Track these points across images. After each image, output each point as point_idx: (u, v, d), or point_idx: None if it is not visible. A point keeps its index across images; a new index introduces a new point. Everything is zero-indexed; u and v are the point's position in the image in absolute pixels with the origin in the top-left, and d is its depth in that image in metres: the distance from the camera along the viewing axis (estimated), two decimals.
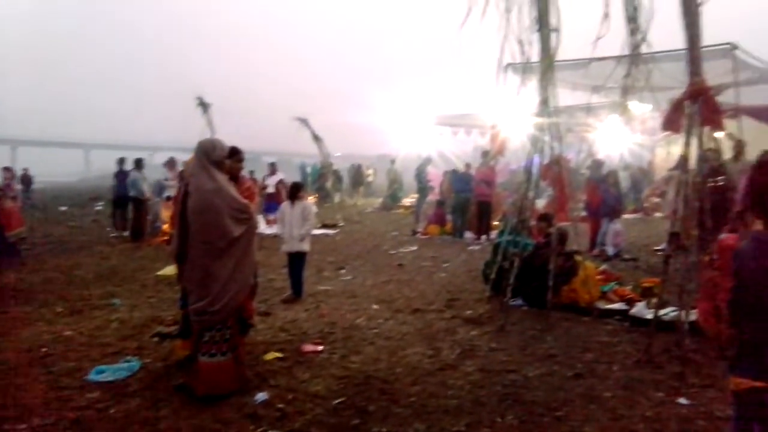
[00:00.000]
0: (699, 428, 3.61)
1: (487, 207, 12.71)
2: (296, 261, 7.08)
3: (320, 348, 5.18)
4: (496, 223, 12.63)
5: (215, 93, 17.60)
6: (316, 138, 16.75)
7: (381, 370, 4.65)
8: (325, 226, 14.65)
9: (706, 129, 4.57)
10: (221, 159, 4.24)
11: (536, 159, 6.54)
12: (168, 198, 12.25)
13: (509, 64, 6.57)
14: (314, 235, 9.97)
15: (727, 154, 8.35)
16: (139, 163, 13.17)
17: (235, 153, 4.85)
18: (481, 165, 13.39)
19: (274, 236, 9.32)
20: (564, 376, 4.47)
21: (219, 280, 4.08)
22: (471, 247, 11.51)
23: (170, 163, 13.78)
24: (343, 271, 9.00)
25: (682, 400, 3.97)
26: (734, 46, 9.42)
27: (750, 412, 2.05)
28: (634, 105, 9.85)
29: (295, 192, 7.20)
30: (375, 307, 6.69)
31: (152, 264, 9.36)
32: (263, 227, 12.66)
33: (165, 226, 12.12)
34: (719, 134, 5.12)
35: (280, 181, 14.42)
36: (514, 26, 5.58)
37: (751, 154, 9.21)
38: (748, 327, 2.03)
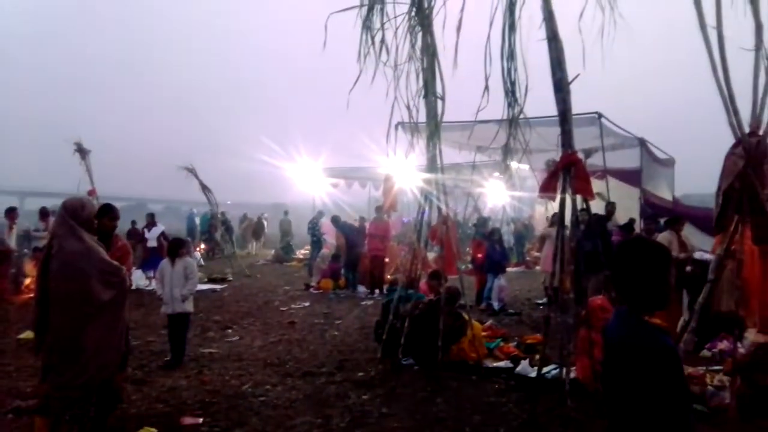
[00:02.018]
0: None
1: (380, 261, 12.79)
2: (178, 323, 6.62)
3: (200, 420, 4.82)
4: (389, 276, 12.72)
5: (95, 138, 16.58)
6: (204, 188, 16.18)
7: None
8: (212, 280, 13.97)
9: (578, 195, 4.89)
10: (89, 219, 3.91)
11: (426, 212, 6.73)
12: (36, 249, 11.25)
13: (399, 123, 6.81)
14: (200, 291, 9.47)
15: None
16: (10, 212, 11.89)
17: (108, 211, 4.53)
18: (374, 219, 13.57)
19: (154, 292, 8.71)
20: None
21: (85, 351, 3.70)
22: (364, 302, 11.44)
23: (42, 213, 12.76)
24: (230, 331, 8.55)
25: None
26: (600, 115, 10.44)
27: None
28: (514, 165, 10.49)
29: (175, 249, 6.77)
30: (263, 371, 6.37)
31: (12, 326, 8.38)
32: (142, 282, 11.90)
33: (28, 281, 11.03)
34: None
35: (162, 234, 13.63)
36: (403, 92, 5.80)
37: (617, 212, 10.13)
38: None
